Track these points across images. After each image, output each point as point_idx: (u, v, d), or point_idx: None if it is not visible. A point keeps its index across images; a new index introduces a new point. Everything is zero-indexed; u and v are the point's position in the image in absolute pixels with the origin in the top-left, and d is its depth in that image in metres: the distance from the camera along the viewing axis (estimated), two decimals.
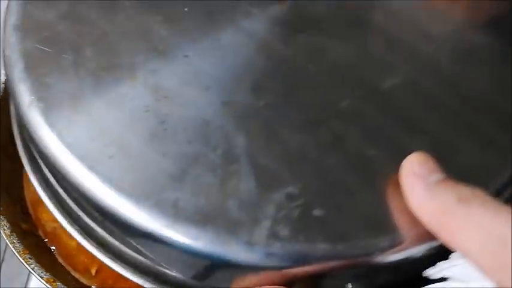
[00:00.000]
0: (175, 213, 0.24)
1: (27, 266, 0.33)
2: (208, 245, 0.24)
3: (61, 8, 0.30)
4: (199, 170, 0.25)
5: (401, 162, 0.26)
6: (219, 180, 0.25)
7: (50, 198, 0.30)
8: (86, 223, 0.28)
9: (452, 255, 0.24)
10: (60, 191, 0.28)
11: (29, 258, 0.33)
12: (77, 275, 0.33)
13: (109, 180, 0.25)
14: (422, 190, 0.24)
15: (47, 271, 0.33)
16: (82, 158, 0.25)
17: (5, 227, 0.34)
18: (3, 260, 0.45)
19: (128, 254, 0.27)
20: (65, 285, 0.32)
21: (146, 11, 0.30)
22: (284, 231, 0.24)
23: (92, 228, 0.28)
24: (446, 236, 0.23)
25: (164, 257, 0.25)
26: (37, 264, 0.33)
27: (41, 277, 0.32)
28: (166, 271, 0.27)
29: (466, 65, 0.30)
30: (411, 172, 0.24)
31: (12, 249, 0.33)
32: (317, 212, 0.25)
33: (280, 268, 0.24)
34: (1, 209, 0.34)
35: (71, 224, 0.29)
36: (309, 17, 0.31)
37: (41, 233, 0.35)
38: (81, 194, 0.25)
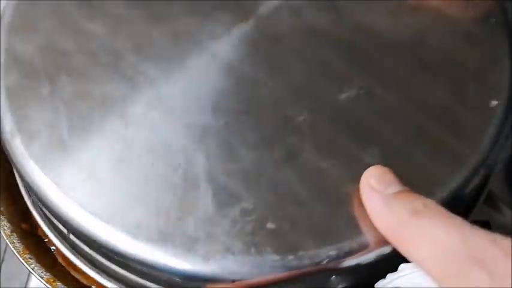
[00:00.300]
0: (138, 232, 0.26)
1: (27, 266, 0.33)
2: (167, 261, 0.26)
3: (39, 40, 0.32)
4: (161, 191, 0.27)
5: (353, 173, 0.28)
6: (178, 200, 0.27)
7: (36, 210, 0.33)
8: (70, 238, 0.31)
9: (400, 266, 0.25)
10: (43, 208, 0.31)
11: (29, 258, 0.34)
12: (77, 275, 0.34)
13: (80, 203, 0.27)
14: (379, 202, 0.25)
15: (47, 271, 0.33)
16: (57, 183, 0.28)
17: (5, 227, 0.35)
18: (3, 260, 0.47)
19: (110, 268, 0.30)
20: (65, 285, 0.33)
21: (117, 40, 0.32)
22: (237, 245, 0.26)
23: (74, 242, 0.31)
24: (402, 247, 0.24)
25: (133, 270, 0.28)
26: (37, 264, 0.33)
27: (41, 277, 0.33)
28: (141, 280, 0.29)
29: (421, 74, 0.31)
30: (369, 185, 0.26)
31: (12, 249, 0.34)
32: (270, 225, 0.27)
33: (234, 280, 0.26)
34: (1, 209, 0.35)
35: (57, 237, 0.32)
36: (272, 36, 0.32)
37: (40, 233, 0.36)
38: (57, 215, 0.28)
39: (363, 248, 0.26)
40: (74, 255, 0.31)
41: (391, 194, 0.25)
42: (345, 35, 0.32)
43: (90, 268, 0.30)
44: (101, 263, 0.29)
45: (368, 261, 0.26)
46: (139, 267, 0.27)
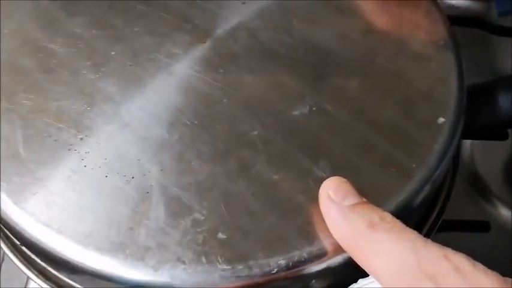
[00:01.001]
0: (88, 242, 0.26)
1: None
2: (118, 270, 0.26)
3: (1, 58, 0.33)
4: (113, 202, 0.28)
5: (304, 185, 0.28)
6: (130, 211, 0.27)
7: None
8: (22, 250, 0.31)
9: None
10: None
11: None
12: None
13: (32, 214, 0.27)
14: (336, 214, 0.26)
15: None
16: (10, 194, 0.28)
17: None
18: (3, 260, 0.46)
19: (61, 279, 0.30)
20: None
21: (77, 58, 0.33)
22: (188, 255, 0.26)
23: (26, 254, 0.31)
24: (358, 258, 0.25)
25: (83, 280, 0.28)
26: None
27: None
28: None
29: (372, 93, 0.32)
30: (327, 196, 0.26)
31: None
32: (221, 236, 0.27)
33: None
34: None
35: (11, 250, 0.31)
36: (228, 55, 0.33)
37: None
38: (8, 225, 0.28)
39: (313, 257, 0.27)
40: (27, 267, 0.31)
41: (348, 206, 0.26)
42: (299, 55, 0.34)
43: (41, 280, 0.30)
44: (53, 275, 0.29)
45: (317, 270, 0.27)
46: (90, 277, 0.27)
